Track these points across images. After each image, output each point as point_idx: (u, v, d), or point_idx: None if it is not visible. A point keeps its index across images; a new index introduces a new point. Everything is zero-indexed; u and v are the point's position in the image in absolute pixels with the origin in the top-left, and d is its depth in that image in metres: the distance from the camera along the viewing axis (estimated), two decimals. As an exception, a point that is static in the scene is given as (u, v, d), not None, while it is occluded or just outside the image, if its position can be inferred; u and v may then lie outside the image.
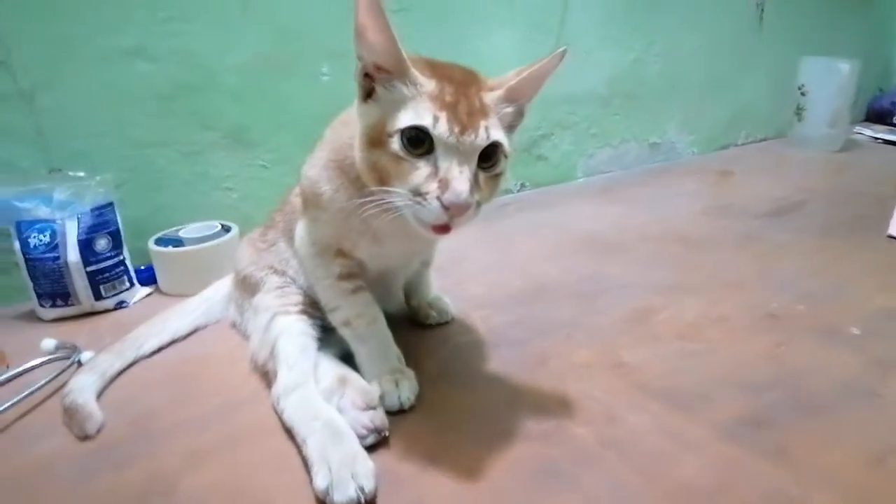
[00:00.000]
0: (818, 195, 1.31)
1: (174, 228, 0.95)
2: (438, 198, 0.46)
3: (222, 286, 0.83)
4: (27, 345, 0.73)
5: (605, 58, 1.48)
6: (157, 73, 0.94)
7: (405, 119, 0.47)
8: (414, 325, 0.77)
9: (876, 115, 2.18)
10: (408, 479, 0.50)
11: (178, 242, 0.91)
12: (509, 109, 0.53)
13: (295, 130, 1.09)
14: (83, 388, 0.62)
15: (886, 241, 1.01)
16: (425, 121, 0.47)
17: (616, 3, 1.46)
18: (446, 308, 0.77)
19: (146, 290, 0.92)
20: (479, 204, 0.49)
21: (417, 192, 0.47)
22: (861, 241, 1.02)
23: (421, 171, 0.47)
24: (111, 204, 0.86)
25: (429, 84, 0.49)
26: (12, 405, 0.62)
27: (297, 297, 0.67)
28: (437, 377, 0.64)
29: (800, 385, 0.62)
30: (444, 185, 0.46)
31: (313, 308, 0.67)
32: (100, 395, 0.64)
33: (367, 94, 0.51)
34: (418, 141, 0.47)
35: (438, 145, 0.47)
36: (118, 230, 0.87)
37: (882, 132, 1.91)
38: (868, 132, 1.93)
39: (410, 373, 0.61)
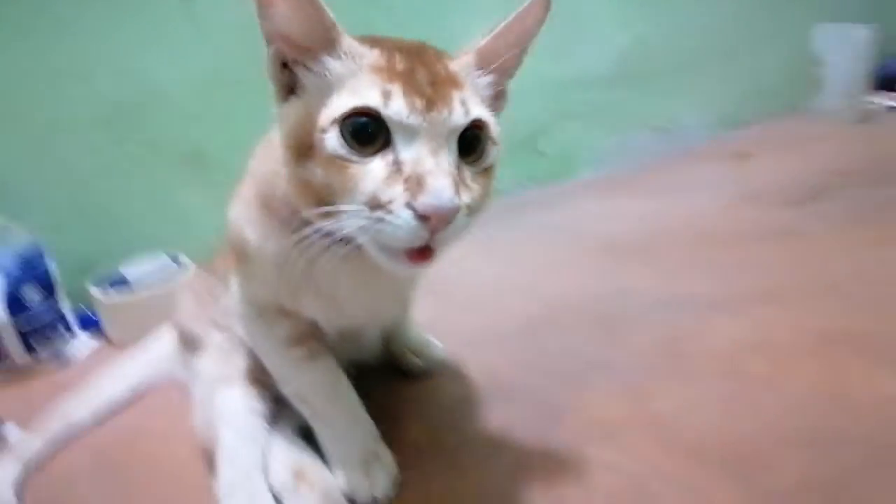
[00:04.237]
0: (849, 175, 1.17)
1: (121, 264, 0.84)
2: (409, 204, 0.33)
3: (166, 337, 0.71)
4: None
5: (607, 37, 1.35)
6: (96, 95, 0.83)
7: (342, 103, 0.35)
8: (395, 374, 0.65)
9: (888, 83, 2.05)
10: None
11: (122, 282, 0.80)
12: (486, 80, 0.40)
13: (251, 148, 0.97)
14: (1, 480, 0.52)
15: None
16: (370, 99, 0.34)
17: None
18: (433, 353, 0.65)
19: (89, 339, 0.80)
20: (470, 211, 0.36)
21: (376, 204, 0.34)
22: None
23: (376, 173, 0.34)
24: (40, 250, 0.75)
25: (369, 54, 0.37)
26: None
27: (243, 361, 0.55)
28: (422, 450, 0.52)
29: (869, 432, 0.49)
30: (416, 183, 0.33)
31: (264, 373, 0.54)
32: (22, 486, 0.54)
33: (289, 90, 0.39)
34: (365, 132, 0.35)
35: (396, 131, 0.35)
36: (50, 279, 0.76)
37: (896, 100, 1.77)
38: (882, 101, 1.79)
39: (387, 455, 0.49)
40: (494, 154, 0.39)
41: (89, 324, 0.82)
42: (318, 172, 0.36)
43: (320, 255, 0.38)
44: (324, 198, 0.36)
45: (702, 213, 1.06)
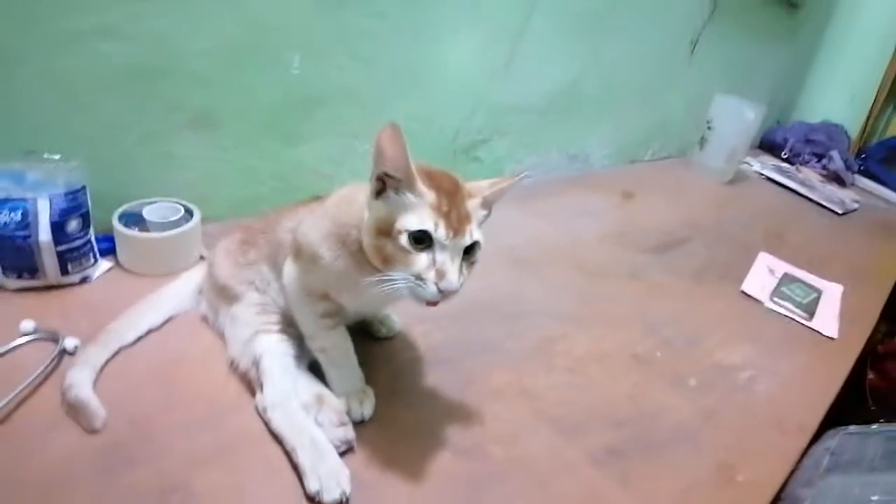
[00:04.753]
0: (700, 232, 1.62)
1: (136, 203, 1.04)
2: (436, 283, 0.63)
3: (191, 279, 0.95)
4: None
5: (553, 70, 1.67)
6: (117, 56, 0.98)
7: (413, 222, 0.64)
8: (365, 336, 0.95)
9: (768, 146, 2.59)
10: (371, 483, 0.70)
11: (140, 220, 1.01)
12: (483, 213, 0.71)
13: (258, 117, 1.18)
14: (83, 382, 0.72)
15: (740, 295, 1.33)
16: (429, 227, 0.64)
17: (572, 19, 1.63)
18: (393, 325, 0.97)
19: (107, 263, 1.01)
20: (462, 285, 0.66)
21: (419, 277, 0.64)
22: (721, 291, 1.33)
23: (422, 262, 0.64)
24: (84, 187, 0.93)
25: (430, 195, 0.65)
26: (15, 396, 0.70)
27: (277, 317, 0.83)
28: (388, 393, 0.83)
29: (646, 424, 0.89)
30: (441, 274, 0.63)
31: (290, 326, 0.83)
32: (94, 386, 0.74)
33: (377, 193, 0.67)
34: (421, 239, 0.64)
35: (437, 244, 0.64)
36: (88, 212, 0.94)
37: (768, 167, 2.29)
38: (756, 165, 2.31)
39: (371, 392, 0.80)
40: (479, 253, 0.69)
41: (103, 249, 1.01)
42: (389, 247, 0.65)
43: (369, 277, 0.68)
44: (387, 260, 0.65)
45: (581, 241, 1.44)
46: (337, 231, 0.72)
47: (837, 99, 2.66)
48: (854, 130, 2.59)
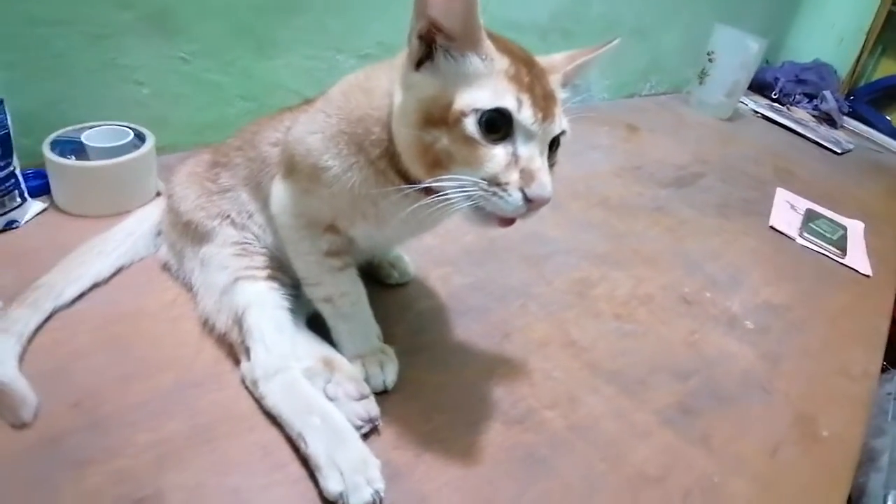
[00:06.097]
0: (712, 168, 1.45)
1: (74, 128, 0.79)
2: (522, 189, 0.43)
3: (147, 217, 0.73)
4: None
5: (552, -6, 1.45)
6: None
7: (484, 98, 0.42)
8: (374, 282, 0.74)
9: (758, 86, 2.41)
10: (404, 469, 0.52)
11: (79, 148, 0.77)
12: (564, 95, 0.50)
13: (225, 20, 0.92)
14: (3, 358, 0.51)
15: (768, 230, 1.17)
16: (509, 103, 0.43)
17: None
18: (407, 268, 0.76)
19: (39, 204, 0.77)
20: None
21: (495, 182, 0.43)
22: (748, 226, 1.17)
23: (499, 159, 0.43)
24: (2, 101, 0.68)
25: (502, 61, 0.44)
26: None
27: (263, 259, 0.62)
28: (409, 350, 0.64)
29: (712, 375, 0.73)
30: (529, 176, 0.43)
31: (281, 272, 0.62)
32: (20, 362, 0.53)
33: (419, 61, 0.45)
34: (495, 125, 0.43)
35: (519, 131, 0.43)
36: (8, 135, 0.70)
37: (763, 106, 2.13)
38: (750, 103, 2.14)
39: (391, 352, 0.60)
40: (559, 153, 0.49)
41: (34, 187, 0.77)
42: (443, 141, 0.43)
43: (394, 193, 0.47)
44: (441, 161, 0.44)
45: (597, 175, 1.25)
46: (350, 130, 0.50)
47: (825, 41, 2.50)
48: (843, 72, 2.43)
